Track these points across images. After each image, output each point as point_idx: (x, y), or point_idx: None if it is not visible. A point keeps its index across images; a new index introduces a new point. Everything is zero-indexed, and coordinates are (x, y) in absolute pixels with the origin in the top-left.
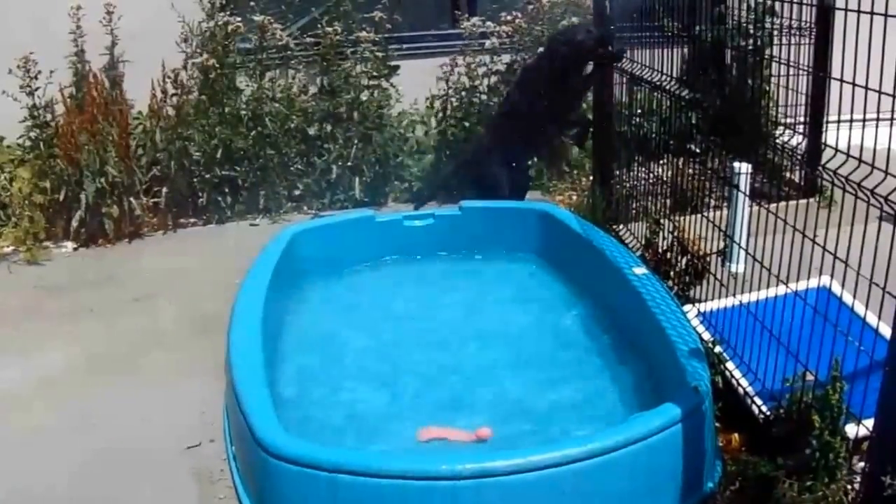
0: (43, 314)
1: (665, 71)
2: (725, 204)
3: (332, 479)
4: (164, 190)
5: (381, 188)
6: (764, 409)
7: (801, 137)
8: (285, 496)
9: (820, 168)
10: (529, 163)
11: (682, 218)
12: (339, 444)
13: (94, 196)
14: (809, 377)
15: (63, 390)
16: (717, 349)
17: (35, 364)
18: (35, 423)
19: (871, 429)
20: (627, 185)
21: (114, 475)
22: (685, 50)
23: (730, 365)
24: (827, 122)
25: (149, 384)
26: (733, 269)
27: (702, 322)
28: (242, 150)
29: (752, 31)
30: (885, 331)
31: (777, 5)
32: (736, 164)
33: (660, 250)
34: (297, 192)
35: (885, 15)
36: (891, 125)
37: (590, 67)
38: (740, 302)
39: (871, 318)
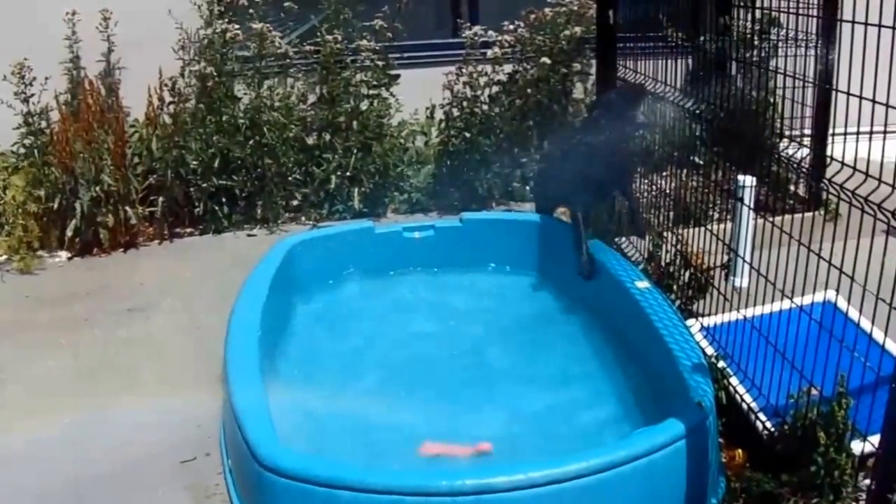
0: (36, 325)
1: (669, 82)
2: (729, 217)
3: (330, 494)
4: (161, 199)
5: (381, 199)
6: (768, 425)
7: (805, 150)
8: None
9: (825, 181)
10: None
11: (685, 231)
12: (337, 459)
13: (89, 205)
14: (814, 393)
15: (56, 402)
16: (721, 364)
17: (27, 375)
18: (27, 436)
19: (876, 446)
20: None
21: (107, 489)
22: (689, 61)
23: (733, 380)
24: (834, 133)
25: (143, 396)
26: (737, 283)
27: (705, 337)
28: (240, 160)
29: (756, 42)
30: (892, 346)
31: (782, 16)
32: (740, 177)
33: (663, 264)
34: (295, 203)
35: (894, 28)
36: None
37: None
38: (744, 316)
39: (877, 334)
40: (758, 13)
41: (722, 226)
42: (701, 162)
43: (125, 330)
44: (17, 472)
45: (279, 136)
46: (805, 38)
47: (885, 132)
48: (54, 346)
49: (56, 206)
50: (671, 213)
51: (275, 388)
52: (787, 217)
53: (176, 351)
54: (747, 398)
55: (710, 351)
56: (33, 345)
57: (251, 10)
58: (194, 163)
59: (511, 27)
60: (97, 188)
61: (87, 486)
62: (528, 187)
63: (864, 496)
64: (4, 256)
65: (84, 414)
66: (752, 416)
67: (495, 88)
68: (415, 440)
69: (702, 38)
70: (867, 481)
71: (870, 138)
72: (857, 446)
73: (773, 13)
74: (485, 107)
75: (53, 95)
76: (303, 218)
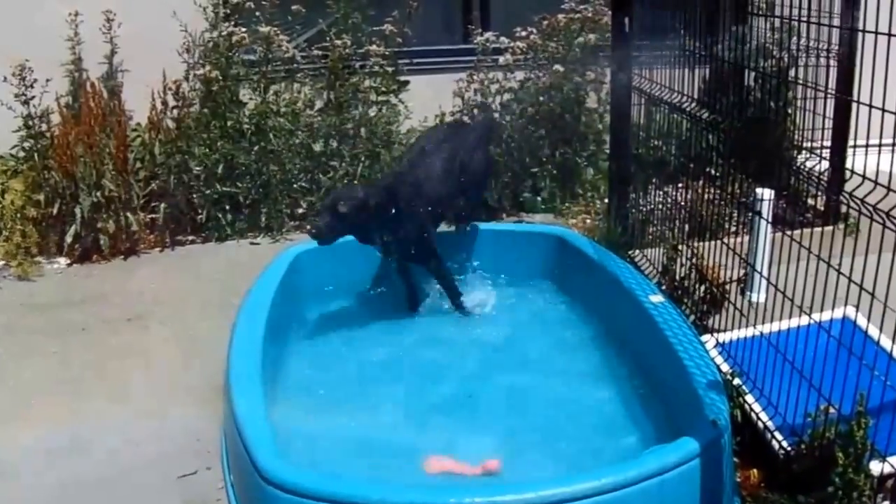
0: (31, 332)
1: (684, 91)
2: (745, 230)
3: None
4: (163, 205)
5: None
6: (784, 444)
7: (825, 162)
8: None
9: (845, 195)
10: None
11: (700, 244)
12: (342, 474)
13: (89, 210)
14: (832, 412)
15: (49, 413)
16: (736, 381)
17: (20, 385)
18: (18, 447)
19: None
20: (644, 209)
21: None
22: (705, 70)
23: (749, 398)
24: (855, 146)
25: (140, 408)
26: (753, 299)
27: (720, 353)
28: (244, 166)
29: (774, 52)
30: None
31: (802, 26)
32: (759, 191)
33: (677, 278)
34: (300, 211)
35: None
36: None
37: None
38: (760, 332)
39: None
40: (776, 22)
41: (738, 239)
42: (717, 174)
43: (122, 339)
44: (4, 483)
45: (285, 143)
46: (827, 48)
47: None
48: (49, 355)
49: (55, 211)
50: (686, 226)
51: (278, 402)
52: (806, 231)
53: (175, 362)
54: (763, 416)
55: (725, 367)
56: (27, 353)
57: (258, 13)
58: (197, 169)
59: (523, 34)
60: (98, 193)
61: (80, 501)
62: (538, 198)
63: None
64: (2, 262)
65: (77, 426)
66: (768, 435)
67: (507, 96)
68: (420, 456)
69: (719, 48)
70: (886, 503)
71: (892, 151)
72: (875, 467)
73: (792, 22)
74: (496, 115)
75: (54, 98)
76: (308, 227)
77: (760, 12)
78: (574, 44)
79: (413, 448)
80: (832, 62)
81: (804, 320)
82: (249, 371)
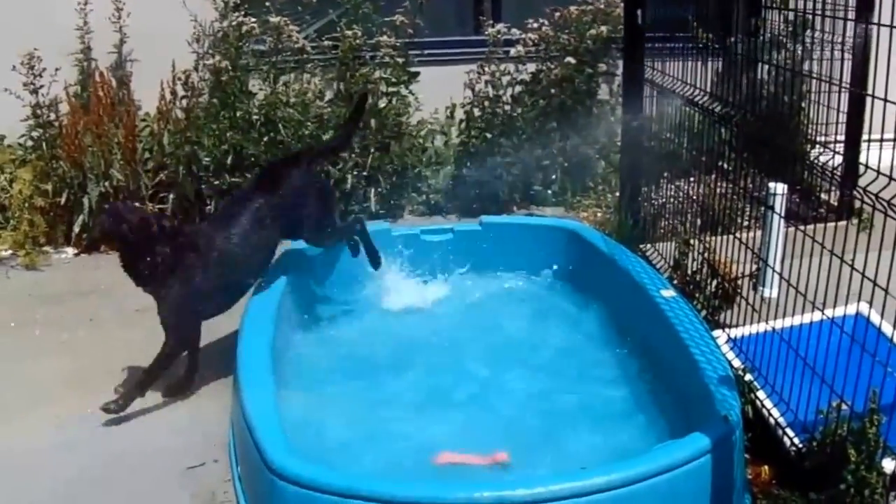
0: (38, 323)
1: (697, 84)
2: (758, 224)
3: None
4: (171, 196)
5: (398, 200)
6: (796, 441)
7: (838, 157)
8: None
9: (859, 189)
10: None
11: (712, 239)
12: (351, 467)
13: (97, 200)
14: (844, 408)
15: (56, 405)
16: (748, 377)
17: (27, 376)
18: (24, 440)
19: None
20: (656, 203)
21: (108, 497)
22: (718, 63)
23: (761, 394)
24: (869, 140)
25: (148, 400)
26: (766, 294)
27: (732, 349)
28: (253, 157)
29: (788, 45)
30: None
31: (817, 19)
32: (771, 185)
33: (689, 272)
34: None
35: None
36: None
37: None
38: (773, 328)
39: None
40: (790, 15)
41: (750, 234)
42: (729, 168)
43: (130, 330)
44: (10, 477)
45: (294, 134)
46: (842, 41)
47: None
48: (55, 346)
49: (63, 200)
50: (698, 220)
51: (287, 395)
52: (819, 226)
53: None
54: (775, 413)
55: (736, 363)
56: (33, 344)
57: (268, 3)
58: (206, 159)
59: (535, 25)
60: (106, 183)
61: (86, 493)
62: (549, 191)
63: None
64: (10, 251)
65: (84, 417)
66: (780, 432)
67: (518, 88)
68: (430, 449)
69: (732, 40)
70: None
71: None
72: (888, 464)
73: (806, 15)
74: (507, 107)
75: (63, 87)
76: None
77: (774, 5)
78: (586, 36)
79: (423, 440)
80: (846, 55)
81: (817, 316)
82: (259, 363)
